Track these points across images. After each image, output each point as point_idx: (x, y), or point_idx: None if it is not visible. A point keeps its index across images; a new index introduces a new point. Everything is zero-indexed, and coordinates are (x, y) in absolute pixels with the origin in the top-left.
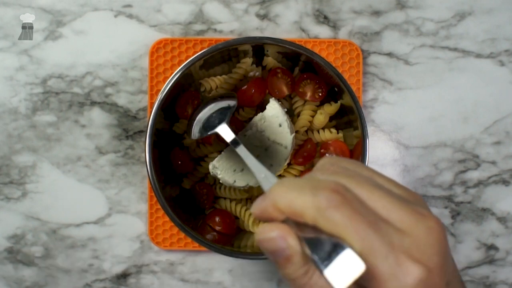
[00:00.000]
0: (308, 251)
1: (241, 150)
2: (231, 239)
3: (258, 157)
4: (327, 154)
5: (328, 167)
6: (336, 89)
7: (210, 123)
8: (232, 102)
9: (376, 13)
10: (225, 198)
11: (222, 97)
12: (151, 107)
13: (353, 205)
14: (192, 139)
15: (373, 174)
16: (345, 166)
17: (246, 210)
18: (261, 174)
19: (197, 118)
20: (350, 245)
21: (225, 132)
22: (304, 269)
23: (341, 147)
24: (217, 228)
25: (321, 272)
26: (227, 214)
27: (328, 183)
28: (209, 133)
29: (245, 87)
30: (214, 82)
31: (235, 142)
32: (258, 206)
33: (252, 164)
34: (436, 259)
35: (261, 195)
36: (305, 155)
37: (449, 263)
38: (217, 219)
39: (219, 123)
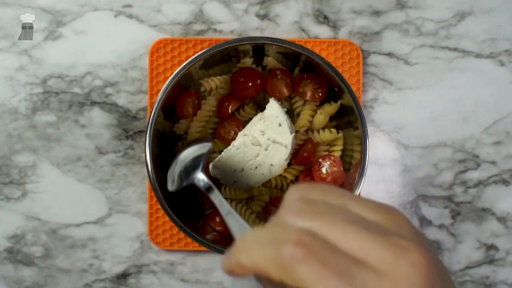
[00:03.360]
0: None
1: (216, 197)
2: (232, 240)
3: (257, 156)
4: (323, 164)
5: (294, 204)
6: (336, 89)
7: (186, 173)
8: (206, 147)
9: (376, 13)
10: (225, 198)
11: (196, 142)
12: (151, 107)
13: (320, 257)
14: (170, 191)
15: (346, 201)
16: (314, 199)
17: (246, 210)
18: (235, 224)
19: (173, 169)
20: None
21: (201, 180)
22: None
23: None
24: (218, 228)
25: None
26: None
27: (291, 233)
28: (184, 184)
29: (242, 79)
30: (214, 82)
31: (209, 189)
32: (225, 264)
33: (226, 213)
34: None
35: (230, 249)
36: (305, 155)
37: None
38: (217, 219)
39: (194, 171)
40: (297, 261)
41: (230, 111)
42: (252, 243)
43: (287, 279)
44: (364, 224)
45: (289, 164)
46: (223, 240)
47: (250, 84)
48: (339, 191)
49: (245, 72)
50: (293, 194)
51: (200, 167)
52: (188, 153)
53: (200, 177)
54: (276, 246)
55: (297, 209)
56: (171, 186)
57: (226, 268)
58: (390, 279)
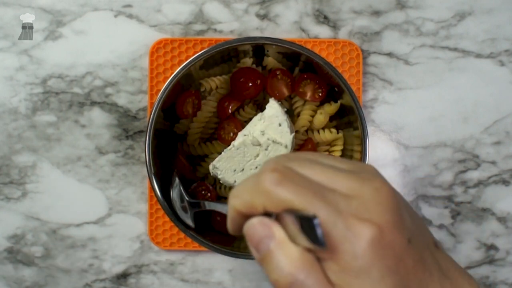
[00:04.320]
0: (303, 240)
1: (210, 206)
2: (233, 240)
3: (257, 156)
4: None
5: (268, 160)
6: (336, 89)
7: (186, 209)
8: (175, 180)
9: (376, 13)
10: (225, 198)
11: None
12: (151, 107)
13: (295, 180)
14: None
15: (317, 156)
16: (286, 156)
17: None
18: (223, 206)
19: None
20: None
21: (191, 203)
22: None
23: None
24: (218, 228)
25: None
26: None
27: (267, 166)
28: (194, 210)
29: (242, 79)
30: (214, 82)
31: (196, 205)
32: (228, 221)
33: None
34: (387, 216)
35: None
36: None
37: (406, 220)
38: (218, 219)
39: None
40: (275, 184)
41: (230, 111)
42: (239, 187)
43: (270, 206)
44: (333, 167)
45: None
46: (224, 241)
47: (250, 84)
48: (311, 152)
49: (245, 72)
50: (271, 158)
51: (184, 197)
52: (174, 198)
53: (188, 202)
54: (256, 179)
55: (271, 160)
56: (192, 223)
57: (229, 224)
58: (357, 200)
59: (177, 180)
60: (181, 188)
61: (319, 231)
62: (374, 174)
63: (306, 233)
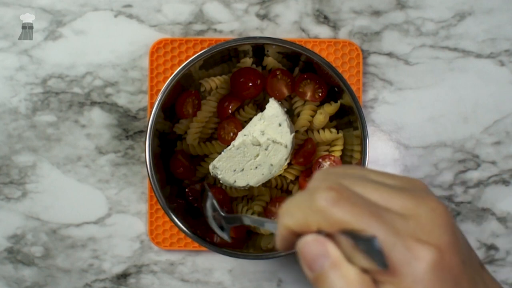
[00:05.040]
0: (362, 259)
1: (246, 221)
2: (243, 243)
3: (257, 156)
4: (323, 164)
5: (319, 176)
6: (336, 89)
7: (221, 223)
8: (207, 193)
9: (376, 13)
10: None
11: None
12: (151, 107)
13: (351, 199)
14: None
15: (366, 172)
16: (335, 171)
17: (247, 210)
18: (273, 226)
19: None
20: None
21: (227, 219)
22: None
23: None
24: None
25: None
26: None
27: (321, 185)
28: (232, 225)
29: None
30: (214, 82)
31: (232, 220)
32: (277, 238)
33: (262, 224)
34: (446, 238)
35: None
36: (305, 154)
37: (460, 240)
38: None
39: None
40: (331, 204)
41: (230, 111)
42: (291, 205)
43: (325, 225)
44: (384, 184)
45: (289, 164)
46: (235, 244)
47: (250, 84)
48: (359, 167)
49: (245, 72)
50: (318, 172)
51: (218, 211)
52: (207, 210)
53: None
54: (310, 197)
55: (322, 177)
56: (228, 237)
57: (279, 241)
58: (414, 220)
59: (209, 193)
60: (215, 201)
61: (380, 253)
62: (427, 192)
63: (365, 254)
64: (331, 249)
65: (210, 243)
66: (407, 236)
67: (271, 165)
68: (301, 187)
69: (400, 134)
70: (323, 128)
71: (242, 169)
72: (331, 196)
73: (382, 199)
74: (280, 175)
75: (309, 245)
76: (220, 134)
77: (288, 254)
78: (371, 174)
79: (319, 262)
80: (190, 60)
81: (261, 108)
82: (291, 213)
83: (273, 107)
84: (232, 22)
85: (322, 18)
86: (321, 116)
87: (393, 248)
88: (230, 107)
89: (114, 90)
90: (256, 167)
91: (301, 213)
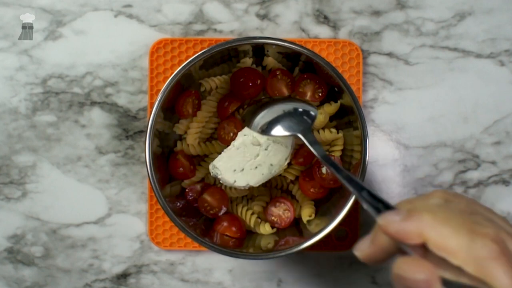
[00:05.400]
0: None
1: (332, 165)
2: (243, 242)
3: (257, 156)
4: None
5: (465, 207)
6: (336, 89)
7: (287, 123)
8: (313, 112)
9: (376, 13)
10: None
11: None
12: (151, 107)
13: (510, 259)
14: (252, 130)
15: (501, 221)
16: (474, 207)
17: (247, 210)
18: (363, 192)
19: (267, 112)
20: None
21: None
22: None
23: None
24: (228, 233)
25: None
26: (235, 218)
27: (487, 230)
28: (287, 133)
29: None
30: (214, 82)
31: (326, 158)
32: (394, 223)
33: (347, 181)
34: None
35: (393, 212)
36: (306, 154)
37: None
38: (224, 223)
39: (301, 128)
40: (493, 258)
41: (230, 112)
42: (446, 223)
43: (472, 269)
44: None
45: (289, 164)
46: (236, 244)
47: (250, 84)
48: (490, 209)
49: (245, 72)
50: (464, 199)
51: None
52: (292, 105)
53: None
54: (472, 237)
55: (493, 226)
56: (259, 127)
57: (394, 228)
58: None
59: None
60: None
61: None
62: None
63: None
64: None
65: (210, 243)
66: None
67: (271, 165)
68: (301, 187)
69: (400, 134)
70: (323, 128)
71: (242, 169)
72: (495, 250)
73: None
74: (280, 175)
75: (417, 284)
76: (220, 134)
77: (288, 254)
78: (495, 217)
79: (423, 285)
80: (190, 60)
81: None
82: (442, 231)
83: None
84: (232, 22)
85: (322, 18)
86: (321, 116)
87: None
88: (230, 107)
89: (114, 90)
90: (256, 167)
91: (455, 242)
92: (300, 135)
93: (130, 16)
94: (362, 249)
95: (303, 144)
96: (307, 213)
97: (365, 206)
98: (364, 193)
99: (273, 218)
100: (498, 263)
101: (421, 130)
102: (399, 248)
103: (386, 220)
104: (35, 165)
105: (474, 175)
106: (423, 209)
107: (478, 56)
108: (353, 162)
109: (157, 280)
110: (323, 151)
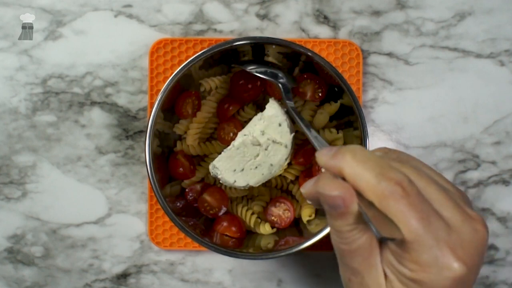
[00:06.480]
0: (365, 217)
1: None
2: (242, 242)
3: (257, 156)
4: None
5: (393, 155)
6: (336, 89)
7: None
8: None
9: (376, 13)
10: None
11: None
12: (151, 107)
13: (410, 199)
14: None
15: (431, 172)
16: (399, 157)
17: (247, 210)
18: (313, 133)
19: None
20: (401, 232)
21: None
22: (352, 227)
23: None
24: (228, 233)
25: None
26: (234, 218)
27: (394, 173)
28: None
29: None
30: (214, 82)
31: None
32: (324, 158)
33: (300, 123)
34: (476, 260)
35: (328, 148)
36: (306, 155)
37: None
38: (224, 223)
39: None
40: (393, 198)
41: (230, 114)
42: (361, 162)
43: (378, 204)
44: (444, 189)
45: (289, 164)
46: (236, 244)
47: (250, 86)
48: (425, 164)
49: (244, 74)
50: (393, 151)
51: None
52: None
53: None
54: (380, 178)
55: (395, 157)
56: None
57: (323, 162)
58: (456, 234)
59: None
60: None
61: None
62: (472, 209)
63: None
64: (354, 206)
65: (210, 243)
66: (445, 245)
67: (271, 165)
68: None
69: (400, 134)
70: (323, 128)
71: (242, 169)
72: (396, 191)
73: (437, 203)
74: (280, 175)
75: (333, 199)
76: (220, 134)
77: (288, 254)
78: (435, 175)
79: (333, 209)
80: (190, 60)
81: (261, 108)
82: (356, 169)
83: (273, 107)
84: (232, 22)
85: (322, 18)
86: (321, 116)
87: (428, 250)
88: (230, 109)
89: (114, 90)
90: (256, 167)
91: (365, 180)
92: (280, 85)
93: (130, 16)
94: (307, 187)
95: (281, 95)
96: (307, 213)
97: (313, 141)
98: (313, 132)
99: (273, 218)
100: (396, 203)
101: (421, 130)
102: None
103: (319, 154)
104: (35, 165)
105: (474, 175)
106: (349, 150)
107: (478, 56)
108: None
109: (157, 280)
110: (293, 103)
